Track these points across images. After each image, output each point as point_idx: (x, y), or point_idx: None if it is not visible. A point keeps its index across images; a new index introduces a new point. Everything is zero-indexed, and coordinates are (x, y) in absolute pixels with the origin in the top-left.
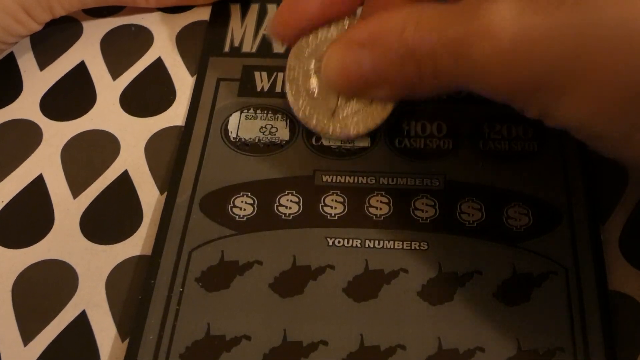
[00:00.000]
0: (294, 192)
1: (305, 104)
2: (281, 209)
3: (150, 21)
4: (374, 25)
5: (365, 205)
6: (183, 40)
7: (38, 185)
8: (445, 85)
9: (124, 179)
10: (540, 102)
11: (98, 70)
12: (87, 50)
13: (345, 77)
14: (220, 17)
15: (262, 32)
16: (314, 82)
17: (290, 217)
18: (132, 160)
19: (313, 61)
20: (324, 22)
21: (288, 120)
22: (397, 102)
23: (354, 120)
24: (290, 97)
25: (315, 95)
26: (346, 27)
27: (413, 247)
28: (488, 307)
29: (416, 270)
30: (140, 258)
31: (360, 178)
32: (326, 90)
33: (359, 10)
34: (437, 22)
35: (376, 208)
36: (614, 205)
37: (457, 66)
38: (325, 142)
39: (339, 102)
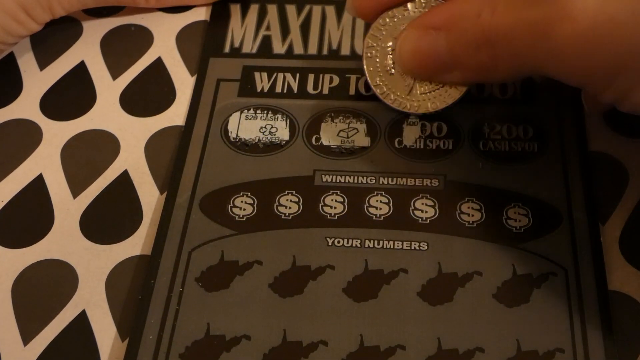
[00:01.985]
0: (294, 192)
1: (382, 81)
2: (281, 208)
3: (150, 21)
4: (450, 9)
5: (365, 205)
6: (183, 41)
7: (38, 185)
8: (519, 70)
9: (124, 179)
10: (619, 85)
11: (98, 70)
12: (87, 50)
13: (419, 60)
14: (220, 18)
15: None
16: (391, 60)
17: (290, 217)
18: (132, 160)
19: (391, 40)
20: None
21: (288, 121)
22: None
23: (431, 96)
24: (367, 74)
25: (392, 72)
26: (423, 5)
27: (413, 248)
28: (488, 308)
29: (416, 271)
30: (140, 258)
31: (360, 178)
32: (402, 75)
33: None
34: (514, 7)
35: (376, 208)
36: (614, 205)
37: (535, 48)
38: (324, 142)
39: (415, 79)
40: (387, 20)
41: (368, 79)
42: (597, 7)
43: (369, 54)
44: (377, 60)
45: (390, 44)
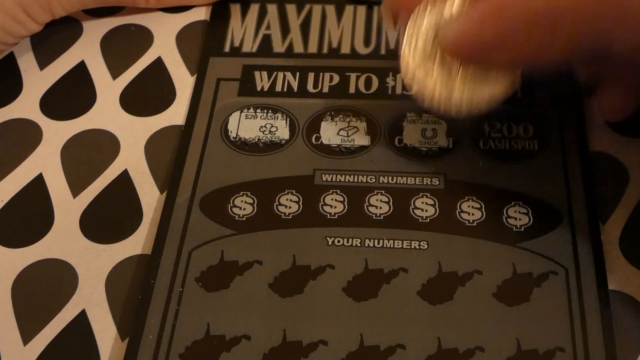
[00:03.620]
0: (294, 191)
1: (426, 78)
2: (281, 208)
3: (150, 21)
4: None
5: (365, 205)
6: (183, 40)
7: (38, 185)
8: (578, 46)
9: (124, 179)
10: None
11: (98, 70)
12: (87, 49)
13: (465, 43)
14: (220, 17)
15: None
16: (430, 48)
17: (290, 217)
18: (132, 159)
19: (431, 33)
20: None
21: (288, 120)
22: (519, 73)
23: (477, 91)
24: (405, 67)
25: (434, 67)
26: None
27: (413, 247)
28: (488, 307)
29: (416, 270)
30: (140, 258)
31: (360, 177)
32: (446, 63)
33: None
34: None
35: (376, 207)
36: (614, 205)
37: (602, 20)
38: (324, 141)
39: (459, 73)
40: (426, 14)
41: (405, 72)
42: None
43: (406, 50)
44: (417, 55)
45: (429, 36)
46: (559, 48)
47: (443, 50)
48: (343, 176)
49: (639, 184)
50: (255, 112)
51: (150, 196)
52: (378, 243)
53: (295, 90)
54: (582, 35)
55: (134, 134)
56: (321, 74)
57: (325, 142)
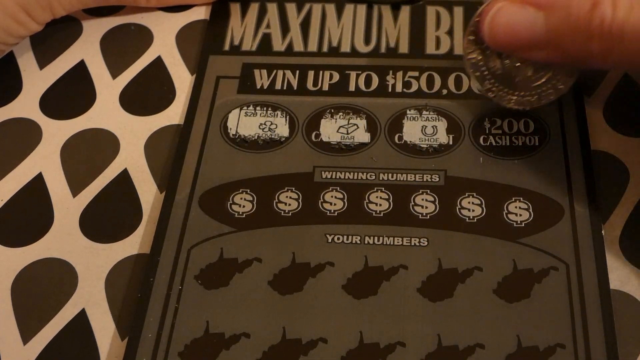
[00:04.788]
0: (294, 188)
1: (492, 85)
2: (280, 205)
3: (150, 20)
4: None
5: (365, 202)
6: (183, 39)
7: (38, 184)
8: (634, 67)
9: (124, 178)
10: None
11: (98, 69)
12: (87, 49)
13: (511, 35)
14: (220, 16)
15: (262, 30)
16: (496, 62)
17: (290, 214)
18: (131, 158)
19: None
20: None
21: (287, 117)
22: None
23: (544, 89)
24: (474, 83)
25: (499, 73)
26: None
27: (413, 244)
28: (488, 304)
29: (416, 267)
30: (139, 256)
31: (360, 174)
32: (510, 67)
33: None
34: None
35: (376, 204)
36: (614, 204)
37: None
38: (324, 138)
39: (526, 74)
40: None
41: (477, 85)
42: None
43: (471, 62)
44: (481, 65)
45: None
46: (612, 64)
47: (487, 37)
48: (343, 173)
49: (639, 183)
50: (255, 109)
51: (150, 195)
52: (378, 240)
53: (295, 88)
54: None
55: (133, 133)
56: (321, 72)
57: (325, 139)
